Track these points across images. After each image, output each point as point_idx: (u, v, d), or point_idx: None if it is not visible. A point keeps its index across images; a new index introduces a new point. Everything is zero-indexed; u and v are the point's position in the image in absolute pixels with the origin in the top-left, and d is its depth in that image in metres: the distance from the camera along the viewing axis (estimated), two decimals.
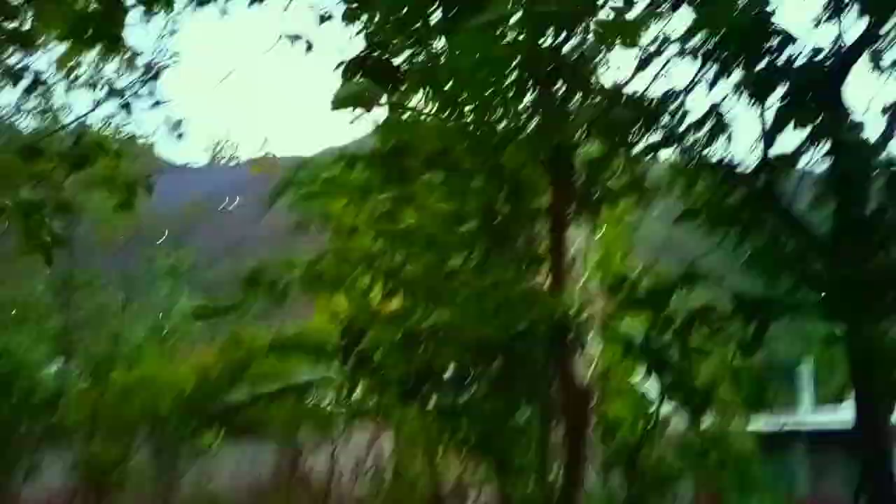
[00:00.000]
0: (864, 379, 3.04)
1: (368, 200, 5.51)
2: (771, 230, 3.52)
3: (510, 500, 7.90)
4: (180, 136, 4.42)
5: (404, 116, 4.78)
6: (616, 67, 4.61)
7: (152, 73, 5.25)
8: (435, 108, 4.97)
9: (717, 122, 3.62)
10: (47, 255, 5.59)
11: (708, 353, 4.73)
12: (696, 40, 3.67)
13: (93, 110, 4.72)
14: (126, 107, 5.33)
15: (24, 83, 4.64)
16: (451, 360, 6.94)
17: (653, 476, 6.65)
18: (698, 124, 3.70)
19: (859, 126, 3.39)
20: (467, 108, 4.89)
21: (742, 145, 3.98)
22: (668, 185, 4.22)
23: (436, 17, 4.25)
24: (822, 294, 3.23)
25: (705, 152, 4.07)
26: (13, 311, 13.47)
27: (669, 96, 3.78)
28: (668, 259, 5.64)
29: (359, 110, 4.78)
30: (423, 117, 5.14)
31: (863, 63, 3.42)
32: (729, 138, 3.78)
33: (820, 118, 3.27)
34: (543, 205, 6.34)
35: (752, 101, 3.45)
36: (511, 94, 4.42)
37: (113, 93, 5.39)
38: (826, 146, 3.22)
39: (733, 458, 7.99)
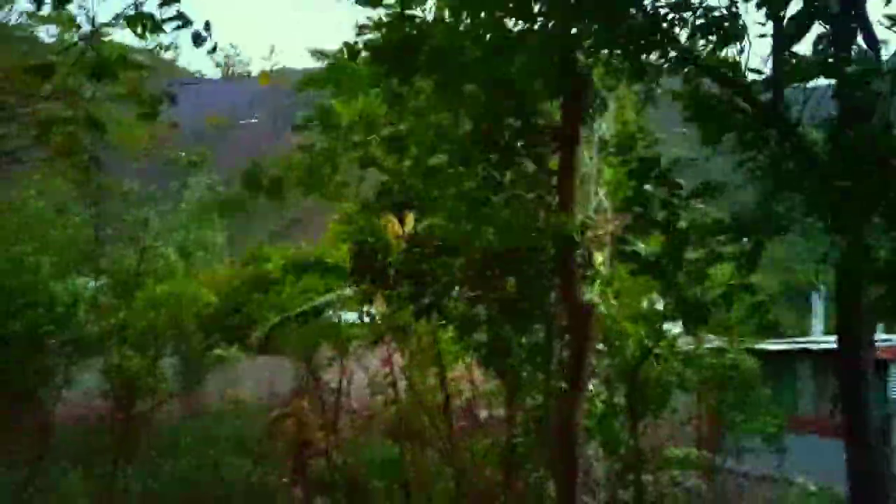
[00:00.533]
0: (848, 295, 3.07)
1: (367, 96, 5.44)
2: (774, 146, 3.47)
3: (519, 413, 8.23)
4: (212, 47, 4.25)
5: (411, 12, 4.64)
6: None
7: None
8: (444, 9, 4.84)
9: (729, 28, 3.52)
10: (84, 170, 5.73)
11: (707, 270, 4.75)
12: None
13: (115, 20, 4.59)
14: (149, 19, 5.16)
15: None
16: (460, 276, 7.06)
17: (653, 388, 6.86)
18: (709, 28, 3.59)
19: (874, 41, 3.28)
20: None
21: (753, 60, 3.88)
22: (677, 96, 4.13)
23: None
24: (820, 210, 3.21)
25: (715, 61, 3.98)
26: (40, 225, 13.78)
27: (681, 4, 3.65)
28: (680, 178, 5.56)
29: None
30: (430, 17, 4.99)
31: None
32: (740, 51, 3.68)
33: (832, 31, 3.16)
34: (552, 122, 6.27)
35: (766, 11, 3.33)
36: None
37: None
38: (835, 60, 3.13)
39: (736, 375, 8.13)
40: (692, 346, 7.28)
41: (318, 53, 5.43)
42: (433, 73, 4.85)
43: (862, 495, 3.47)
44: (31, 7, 6.21)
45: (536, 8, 4.40)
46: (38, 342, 13.24)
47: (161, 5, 4.17)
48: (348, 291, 8.43)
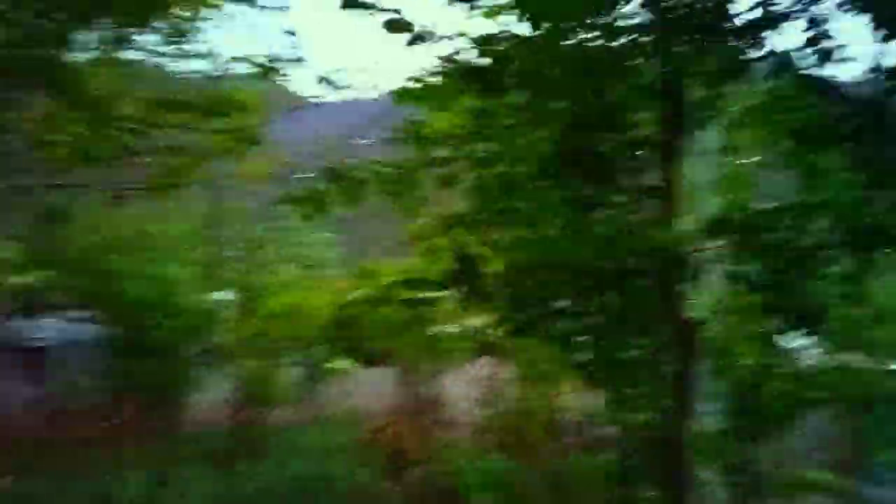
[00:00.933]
0: None
1: (456, 110, 5.55)
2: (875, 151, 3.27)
3: (627, 431, 8.04)
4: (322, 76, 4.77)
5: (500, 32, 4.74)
6: None
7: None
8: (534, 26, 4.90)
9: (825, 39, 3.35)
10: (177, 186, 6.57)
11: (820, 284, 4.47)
12: None
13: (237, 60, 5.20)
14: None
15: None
16: (563, 291, 7.02)
17: (772, 408, 6.48)
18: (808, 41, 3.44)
19: None
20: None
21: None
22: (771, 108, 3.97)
23: None
24: None
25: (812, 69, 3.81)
26: (165, 244, 15.10)
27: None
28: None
29: None
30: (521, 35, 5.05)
31: None
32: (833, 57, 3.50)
33: None
34: (652, 135, 6.13)
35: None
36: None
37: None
38: None
39: (876, 395, 7.51)
40: (819, 363, 6.82)
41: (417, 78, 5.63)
42: (524, 90, 4.91)
43: None
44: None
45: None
46: (175, 352, 14.46)
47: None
48: (449, 305, 8.58)
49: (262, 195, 16.71)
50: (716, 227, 5.70)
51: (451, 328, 10.82)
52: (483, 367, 10.68)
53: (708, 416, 7.22)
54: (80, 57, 6.85)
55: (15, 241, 12.88)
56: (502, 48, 4.63)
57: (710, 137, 7.05)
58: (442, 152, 5.63)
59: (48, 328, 17.98)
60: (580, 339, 6.68)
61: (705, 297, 6.36)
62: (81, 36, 6.71)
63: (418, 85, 5.86)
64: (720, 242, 6.49)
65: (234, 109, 5.33)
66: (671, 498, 5.87)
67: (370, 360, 14.74)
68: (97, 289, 15.08)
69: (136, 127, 6.07)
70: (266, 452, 13.64)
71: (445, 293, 9.26)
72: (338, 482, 11.85)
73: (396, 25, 4.20)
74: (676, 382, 5.70)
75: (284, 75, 6.67)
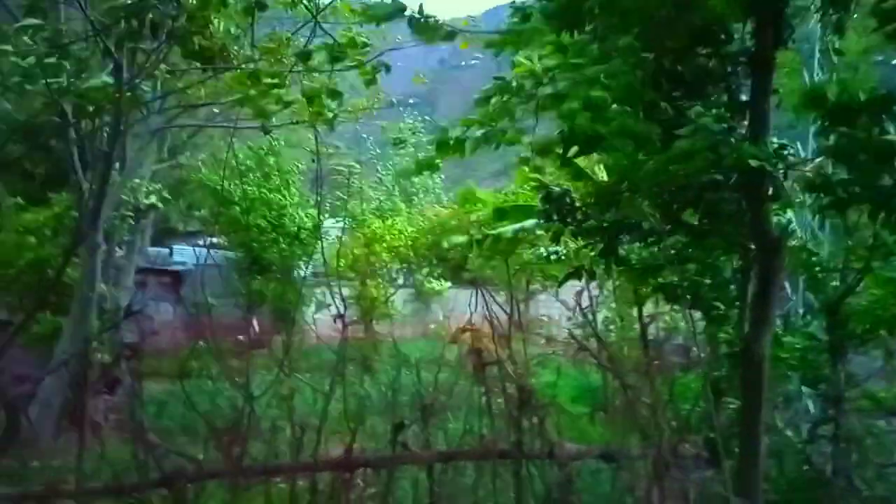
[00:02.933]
0: None
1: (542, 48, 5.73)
2: None
3: (715, 347, 8.20)
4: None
5: None
6: None
7: None
8: None
9: None
10: (330, 125, 7.39)
11: None
12: None
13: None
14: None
15: None
16: (648, 210, 7.16)
17: (857, 322, 6.44)
18: None
19: None
20: None
21: None
22: None
23: None
24: None
25: None
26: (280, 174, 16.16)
27: None
28: None
29: None
30: None
31: None
32: None
33: None
34: (745, 49, 6.03)
35: None
36: None
37: None
38: None
39: None
40: None
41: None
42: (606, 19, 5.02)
43: None
44: None
45: None
46: (291, 272, 15.73)
47: None
48: (541, 231, 8.89)
49: (366, 129, 17.41)
50: (811, 102, 5.59)
51: (544, 251, 11.14)
52: (576, 289, 10.96)
53: (795, 332, 7.29)
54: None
55: (150, 176, 14.28)
56: None
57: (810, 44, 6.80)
58: (530, 87, 5.85)
59: (183, 253, 19.96)
60: (658, 266, 6.87)
61: (794, 214, 6.34)
62: None
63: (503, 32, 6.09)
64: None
65: (354, 48, 5.89)
66: (750, 410, 6.10)
67: (468, 282, 15.39)
68: (218, 215, 16.58)
69: (251, 71, 6.75)
70: (372, 365, 14.79)
71: (539, 222, 9.62)
72: (437, 391, 12.71)
73: None
74: (758, 299, 5.82)
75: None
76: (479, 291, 15.41)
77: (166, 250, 20.49)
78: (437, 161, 6.60)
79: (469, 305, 14.93)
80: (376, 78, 6.76)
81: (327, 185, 18.31)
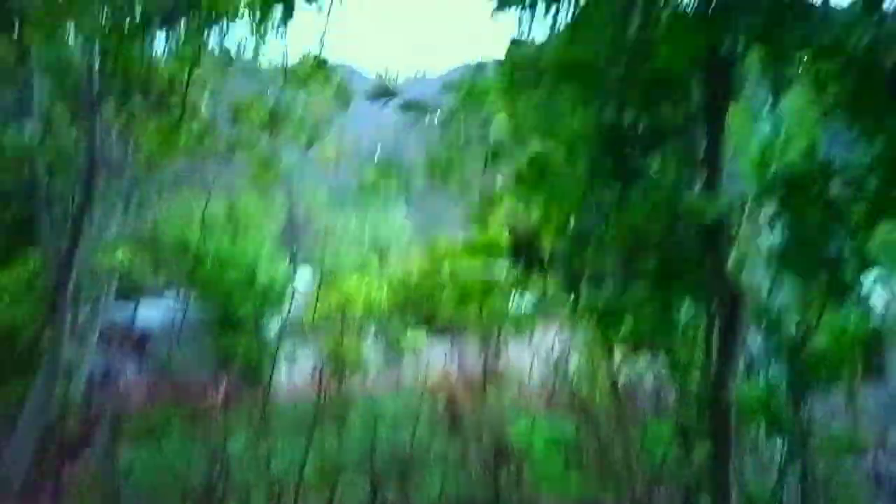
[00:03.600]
0: None
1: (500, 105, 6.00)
2: None
3: (683, 393, 8.35)
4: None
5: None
6: None
7: None
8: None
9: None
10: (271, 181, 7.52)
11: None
12: None
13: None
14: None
15: None
16: (612, 259, 7.36)
17: (818, 365, 6.64)
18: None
19: None
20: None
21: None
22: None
23: None
24: None
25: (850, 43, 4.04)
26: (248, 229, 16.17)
27: None
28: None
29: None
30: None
31: None
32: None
33: None
34: (696, 107, 6.36)
35: None
36: None
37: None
38: None
39: None
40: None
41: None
42: (567, 81, 5.29)
43: None
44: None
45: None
46: (260, 325, 15.56)
47: None
48: (508, 276, 9.08)
49: (333, 179, 17.60)
50: (768, 183, 5.91)
51: (515, 298, 11.31)
52: (546, 334, 11.12)
53: (758, 377, 7.47)
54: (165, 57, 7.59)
55: (118, 230, 14.16)
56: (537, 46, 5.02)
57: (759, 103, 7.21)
58: (489, 139, 6.11)
59: (150, 309, 19.61)
60: (622, 313, 7.05)
61: (751, 262, 6.59)
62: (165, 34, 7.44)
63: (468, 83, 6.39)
64: (766, 209, 6.69)
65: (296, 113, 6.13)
66: (720, 456, 6.20)
67: (441, 331, 15.44)
68: (189, 271, 16.44)
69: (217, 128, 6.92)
70: (347, 421, 14.57)
71: (506, 265, 9.79)
72: (414, 446, 12.60)
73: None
74: (722, 348, 5.99)
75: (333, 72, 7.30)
76: (453, 342, 15.32)
77: (132, 307, 20.12)
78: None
79: (444, 356, 14.82)
80: (317, 138, 7.02)
81: (301, 235, 18.37)
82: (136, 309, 20.19)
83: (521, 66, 5.05)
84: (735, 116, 7.98)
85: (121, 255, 13.66)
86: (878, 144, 4.13)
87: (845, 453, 7.16)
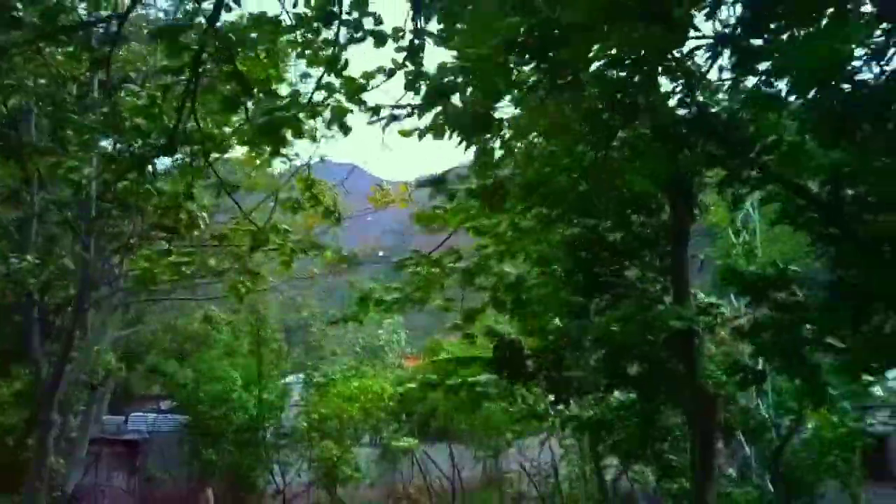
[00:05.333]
0: None
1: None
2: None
3: (675, 499, 8.22)
4: None
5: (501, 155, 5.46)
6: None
7: None
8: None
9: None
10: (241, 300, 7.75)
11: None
12: None
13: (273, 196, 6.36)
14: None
15: None
16: (593, 368, 7.48)
17: (798, 473, 6.60)
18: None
19: None
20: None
21: None
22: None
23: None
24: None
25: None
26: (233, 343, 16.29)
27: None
28: None
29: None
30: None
31: None
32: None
33: None
34: (663, 224, 6.71)
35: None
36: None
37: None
38: None
39: None
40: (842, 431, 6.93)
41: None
42: (533, 200, 5.64)
43: None
44: None
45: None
46: (250, 439, 15.32)
47: None
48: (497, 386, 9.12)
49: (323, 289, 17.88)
50: (729, 279, 6.13)
51: (505, 407, 11.27)
52: (538, 441, 11.01)
53: (742, 482, 7.40)
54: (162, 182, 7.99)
55: (109, 344, 14.29)
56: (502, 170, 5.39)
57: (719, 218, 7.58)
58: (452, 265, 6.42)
59: (140, 421, 19.38)
60: (609, 425, 7.11)
61: (725, 367, 6.72)
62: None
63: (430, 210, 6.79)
64: (737, 315, 6.89)
65: (277, 235, 6.49)
66: None
67: (435, 438, 15.19)
68: (176, 387, 16.46)
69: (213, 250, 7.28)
70: None
71: (494, 375, 9.86)
72: None
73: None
74: (700, 454, 6.00)
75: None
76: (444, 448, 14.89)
77: (122, 419, 19.90)
78: (360, 316, 7.09)
79: (435, 464, 14.44)
80: (291, 261, 7.32)
81: (296, 338, 18.42)
82: (126, 420, 19.97)
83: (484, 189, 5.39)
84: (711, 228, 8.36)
85: (113, 362, 13.72)
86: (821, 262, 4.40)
87: None
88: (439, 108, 4.23)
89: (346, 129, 4.86)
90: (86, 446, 14.61)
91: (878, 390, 10.24)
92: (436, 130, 4.47)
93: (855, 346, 4.00)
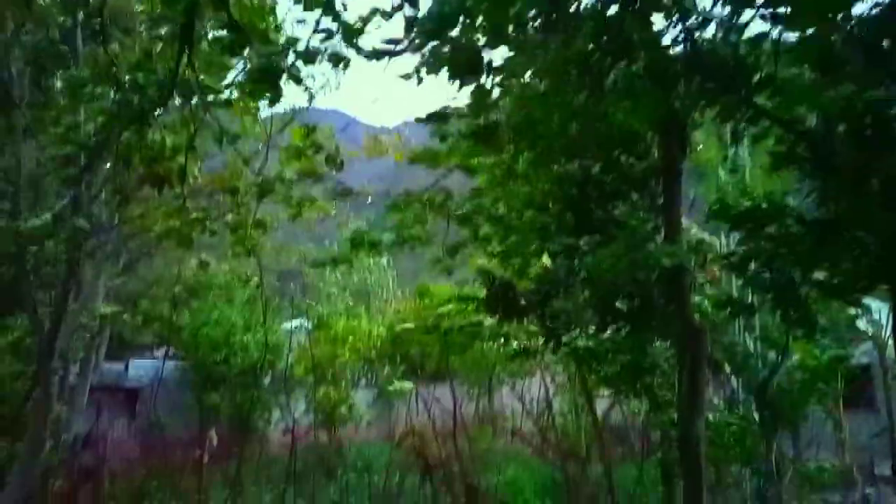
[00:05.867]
0: None
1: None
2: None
3: (665, 432, 8.55)
4: None
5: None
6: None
7: None
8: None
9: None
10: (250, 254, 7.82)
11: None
12: None
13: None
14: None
15: None
16: (585, 305, 7.67)
17: (784, 402, 6.90)
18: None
19: None
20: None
21: None
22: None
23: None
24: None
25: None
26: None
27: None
28: None
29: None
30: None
31: None
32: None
33: None
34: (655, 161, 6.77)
35: None
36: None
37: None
38: None
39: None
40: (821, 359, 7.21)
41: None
42: (526, 142, 5.66)
43: None
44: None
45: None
46: (249, 382, 15.63)
47: None
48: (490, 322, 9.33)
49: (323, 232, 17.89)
50: (719, 213, 6.25)
51: (499, 345, 11.53)
52: (532, 380, 11.32)
53: (733, 415, 7.71)
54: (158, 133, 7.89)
55: (107, 291, 14.38)
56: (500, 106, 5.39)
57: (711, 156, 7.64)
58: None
59: (139, 367, 19.67)
60: (601, 354, 7.32)
61: (715, 301, 6.91)
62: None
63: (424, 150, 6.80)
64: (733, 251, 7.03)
65: (281, 183, 6.50)
66: (691, 493, 6.39)
67: (436, 376, 15.54)
68: (174, 332, 16.63)
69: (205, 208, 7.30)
70: (338, 470, 14.59)
71: (488, 314, 10.05)
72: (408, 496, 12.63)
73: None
74: (688, 386, 6.24)
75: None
76: (437, 389, 15.29)
77: (122, 366, 20.17)
78: (352, 257, 7.21)
79: (430, 403, 14.80)
80: (301, 212, 7.43)
81: (290, 284, 18.59)
82: (126, 368, 20.25)
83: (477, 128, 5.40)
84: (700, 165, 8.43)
85: (107, 310, 13.83)
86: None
87: (820, 485, 7.36)
88: (436, 43, 4.21)
89: (345, 64, 4.81)
90: (86, 394, 14.89)
91: (861, 324, 10.60)
92: (431, 67, 4.46)
93: (837, 276, 4.15)
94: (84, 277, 10.99)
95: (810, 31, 3.83)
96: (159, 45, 5.24)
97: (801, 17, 3.65)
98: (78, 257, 9.39)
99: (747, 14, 3.98)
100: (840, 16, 3.59)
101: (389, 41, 4.64)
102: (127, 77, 5.12)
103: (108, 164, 8.33)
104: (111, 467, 12.91)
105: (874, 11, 3.62)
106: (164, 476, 12.34)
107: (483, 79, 4.92)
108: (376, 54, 4.48)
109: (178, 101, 6.08)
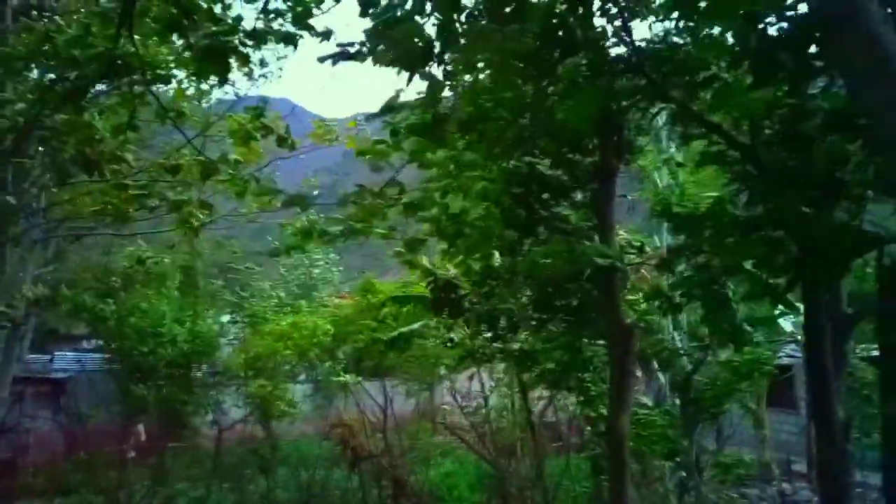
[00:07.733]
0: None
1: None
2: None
3: (595, 428, 8.81)
4: None
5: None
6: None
7: None
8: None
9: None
10: (196, 234, 7.62)
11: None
12: None
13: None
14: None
15: None
16: (526, 304, 7.82)
17: (705, 398, 7.22)
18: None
19: None
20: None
21: None
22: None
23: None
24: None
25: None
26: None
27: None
28: None
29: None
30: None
31: None
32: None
33: None
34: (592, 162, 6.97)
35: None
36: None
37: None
38: None
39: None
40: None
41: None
42: (471, 136, 5.75)
43: None
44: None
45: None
46: (181, 375, 15.24)
47: None
48: (433, 322, 9.41)
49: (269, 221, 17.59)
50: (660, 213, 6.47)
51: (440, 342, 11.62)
52: (469, 375, 11.46)
53: (656, 410, 8.02)
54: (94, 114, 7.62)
55: (32, 280, 13.76)
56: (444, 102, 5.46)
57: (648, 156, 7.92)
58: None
59: (65, 359, 18.93)
60: (535, 356, 7.50)
61: (644, 301, 7.17)
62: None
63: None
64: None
65: (226, 164, 6.37)
66: (616, 486, 6.62)
67: (375, 373, 15.48)
68: (102, 323, 16.07)
69: (144, 187, 7.09)
70: (274, 466, 14.41)
71: (430, 313, 10.11)
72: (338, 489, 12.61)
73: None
74: (616, 382, 6.46)
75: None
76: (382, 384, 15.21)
77: (47, 358, 19.39)
78: (303, 245, 7.17)
79: (372, 399, 14.74)
80: (246, 190, 7.31)
81: (226, 281, 18.20)
82: (51, 358, 19.46)
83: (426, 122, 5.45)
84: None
85: (29, 294, 13.24)
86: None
87: (740, 480, 7.72)
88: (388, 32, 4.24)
89: (294, 43, 4.76)
90: (8, 385, 14.23)
91: (787, 325, 11.16)
92: (381, 57, 4.49)
93: (764, 272, 4.38)
94: (9, 261, 10.53)
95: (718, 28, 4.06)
96: (98, 21, 5.08)
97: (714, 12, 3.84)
98: (4, 241, 9.01)
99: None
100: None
101: (342, 45, 4.65)
102: (62, 53, 4.96)
103: (39, 145, 8.00)
104: (34, 460, 12.43)
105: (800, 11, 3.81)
106: (87, 470, 11.93)
107: (434, 70, 4.98)
108: (328, 36, 4.48)
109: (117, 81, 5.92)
